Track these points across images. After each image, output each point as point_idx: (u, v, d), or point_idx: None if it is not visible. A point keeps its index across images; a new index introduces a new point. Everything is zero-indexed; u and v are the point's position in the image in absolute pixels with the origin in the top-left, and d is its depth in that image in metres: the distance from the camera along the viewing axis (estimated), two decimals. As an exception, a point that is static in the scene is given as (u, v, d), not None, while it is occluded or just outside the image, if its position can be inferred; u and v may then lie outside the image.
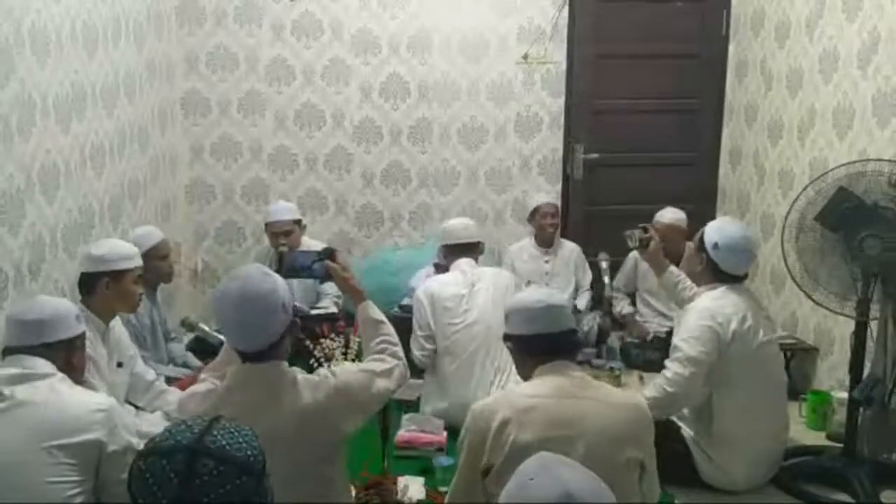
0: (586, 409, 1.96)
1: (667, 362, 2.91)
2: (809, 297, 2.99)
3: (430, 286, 3.50)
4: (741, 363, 2.87)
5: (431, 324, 3.41)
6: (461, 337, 3.35)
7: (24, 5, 2.69)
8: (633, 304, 4.44)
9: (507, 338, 2.17)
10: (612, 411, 1.98)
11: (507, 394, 2.10)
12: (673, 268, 3.34)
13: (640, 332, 4.23)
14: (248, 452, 1.27)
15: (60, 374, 2.06)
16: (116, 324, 2.86)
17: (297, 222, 4.20)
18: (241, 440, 1.27)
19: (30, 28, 2.72)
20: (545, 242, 4.53)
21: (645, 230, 3.35)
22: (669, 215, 4.15)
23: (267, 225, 4.20)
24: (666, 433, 2.74)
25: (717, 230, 2.99)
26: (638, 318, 4.35)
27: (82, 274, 2.77)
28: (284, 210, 4.21)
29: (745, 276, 3.04)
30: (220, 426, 1.29)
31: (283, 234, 4.10)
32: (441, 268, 3.86)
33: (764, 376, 2.93)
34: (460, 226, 3.65)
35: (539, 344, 2.07)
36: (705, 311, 2.89)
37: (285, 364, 2.02)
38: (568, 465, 1.31)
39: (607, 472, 1.37)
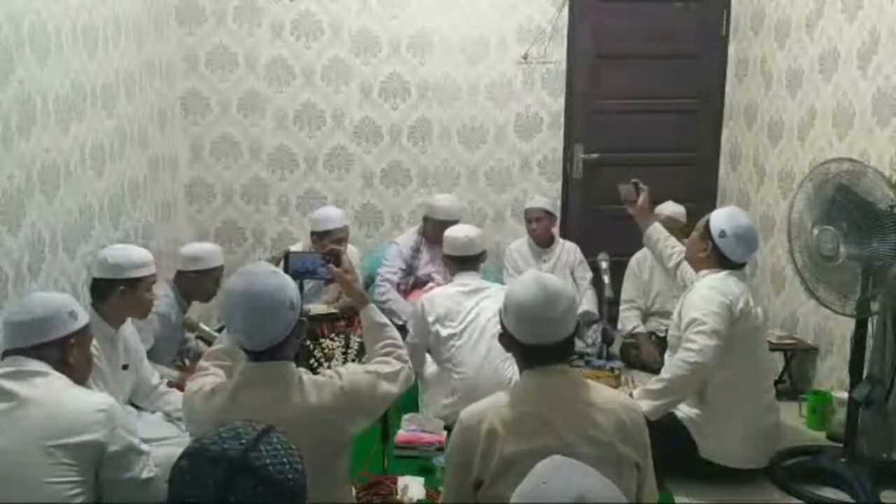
0: (575, 415, 1.89)
1: (689, 335, 2.88)
2: (813, 294, 3.00)
3: (432, 298, 3.46)
4: (741, 340, 2.93)
5: (428, 336, 3.40)
6: (463, 353, 3.33)
7: (24, 5, 2.69)
8: (644, 319, 4.36)
9: (502, 324, 2.04)
10: (602, 415, 1.90)
11: (494, 402, 1.96)
12: (657, 224, 3.51)
13: (648, 354, 4.12)
14: (290, 476, 1.26)
15: (57, 374, 2.06)
16: (127, 325, 2.87)
17: None
18: (285, 460, 1.27)
19: (30, 28, 2.72)
20: (539, 243, 4.54)
21: (636, 185, 3.49)
22: (669, 208, 4.20)
23: (324, 233, 4.06)
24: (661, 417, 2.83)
25: (724, 218, 3.05)
26: (642, 330, 4.31)
27: (96, 280, 2.78)
28: (339, 216, 4.19)
29: (745, 265, 3.12)
30: (267, 441, 1.28)
31: (342, 240, 4.06)
32: (429, 239, 4.19)
33: (757, 354, 3.04)
34: (463, 239, 3.52)
35: (532, 352, 1.96)
36: (716, 289, 2.95)
37: (292, 364, 2.01)
38: (581, 468, 1.30)
39: (605, 472, 1.36)
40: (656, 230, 3.48)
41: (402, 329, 3.35)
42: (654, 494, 2.04)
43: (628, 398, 2.20)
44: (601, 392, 2.00)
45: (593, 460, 1.60)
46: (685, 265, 3.28)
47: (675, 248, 3.40)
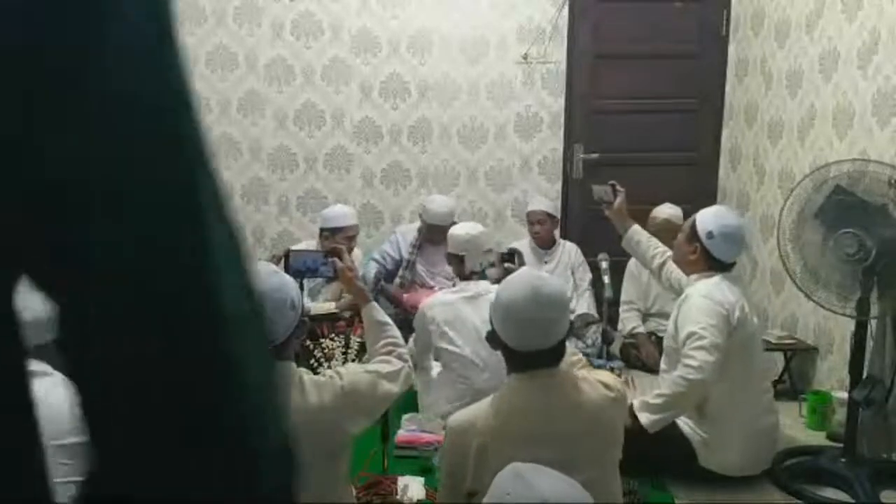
0: (564, 421, 1.87)
1: (688, 350, 2.83)
2: (809, 297, 3.00)
3: (433, 306, 3.39)
4: (738, 349, 2.90)
5: (432, 341, 3.37)
6: (466, 362, 3.27)
7: (24, 5, 2.69)
8: (643, 319, 4.36)
9: (490, 321, 2.00)
10: (590, 416, 1.89)
11: (482, 411, 1.93)
12: (637, 226, 3.42)
13: (649, 354, 4.12)
14: None
15: (59, 374, 2.06)
16: None
17: None
18: None
19: (30, 28, 2.72)
20: (541, 245, 4.54)
21: (613, 187, 3.43)
22: (667, 211, 4.20)
23: (335, 230, 4.10)
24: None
25: (711, 219, 3.00)
26: (642, 330, 4.32)
27: None
28: (350, 214, 4.24)
29: (734, 264, 3.08)
30: None
31: (353, 237, 4.12)
32: (425, 238, 4.26)
33: (754, 361, 3.00)
34: (465, 237, 3.42)
35: (522, 358, 1.93)
36: (712, 298, 2.89)
37: (293, 365, 2.01)
38: (542, 472, 1.32)
39: (594, 474, 1.37)
40: (636, 232, 3.38)
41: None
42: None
43: (611, 392, 2.02)
44: (589, 393, 1.95)
45: (584, 462, 1.61)
46: (670, 265, 3.22)
47: (657, 249, 3.31)
